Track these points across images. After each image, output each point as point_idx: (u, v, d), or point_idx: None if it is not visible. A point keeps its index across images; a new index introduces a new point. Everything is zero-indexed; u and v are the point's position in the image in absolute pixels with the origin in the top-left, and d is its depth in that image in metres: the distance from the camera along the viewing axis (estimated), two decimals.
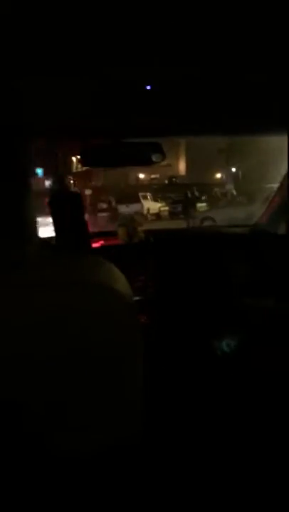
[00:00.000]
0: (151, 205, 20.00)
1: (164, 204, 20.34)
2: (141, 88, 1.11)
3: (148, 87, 1.11)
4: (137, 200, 19.26)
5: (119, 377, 0.52)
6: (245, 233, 2.01)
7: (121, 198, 19.87)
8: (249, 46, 0.85)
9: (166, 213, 19.24)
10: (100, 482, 0.52)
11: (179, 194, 19.87)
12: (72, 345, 0.49)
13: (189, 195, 15.35)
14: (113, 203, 19.49)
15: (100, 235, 1.95)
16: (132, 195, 19.88)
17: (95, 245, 1.94)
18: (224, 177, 28.77)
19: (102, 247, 1.93)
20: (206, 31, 0.79)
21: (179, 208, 18.29)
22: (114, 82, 1.08)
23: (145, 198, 20.04)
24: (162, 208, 19.94)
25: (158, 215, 19.21)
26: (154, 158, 1.58)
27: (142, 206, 19.18)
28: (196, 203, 15.49)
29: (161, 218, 18.66)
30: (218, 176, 30.44)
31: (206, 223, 8.52)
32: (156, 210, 19.70)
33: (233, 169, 27.25)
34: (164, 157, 1.58)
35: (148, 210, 19.19)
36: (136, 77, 1.05)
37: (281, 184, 1.80)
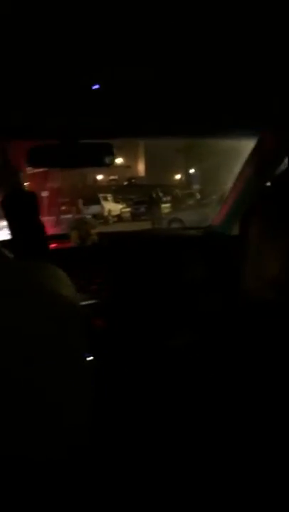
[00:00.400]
0: (112, 207, 19.78)
1: (124, 205, 20.14)
2: (88, 88, 1.08)
3: (95, 87, 1.09)
4: (97, 202, 19.03)
5: (65, 383, 0.50)
6: (198, 235, 2.02)
7: (80, 200, 19.56)
8: (210, 46, 0.84)
9: (127, 215, 19.03)
10: (46, 494, 0.50)
11: (139, 195, 19.85)
12: (16, 351, 0.46)
13: (154, 195, 15.06)
14: (80, 205, 19.25)
15: (52, 238, 1.90)
16: (91, 197, 19.58)
17: (50, 247, 1.88)
18: (183, 178, 29.20)
19: (55, 249, 1.88)
20: (159, 30, 0.77)
21: (142, 209, 18.11)
22: (62, 81, 1.05)
23: (105, 199, 19.81)
24: (123, 210, 19.71)
25: (119, 217, 19.01)
26: (105, 159, 1.55)
27: (103, 208, 18.94)
28: (160, 204, 15.33)
29: (123, 220, 18.48)
30: (178, 177, 30.88)
31: (174, 225, 8.52)
32: (117, 212, 19.52)
33: (192, 170, 27.68)
34: (113, 159, 1.55)
35: (109, 211, 19.01)
36: (83, 77, 1.02)
37: (234, 185, 1.82)
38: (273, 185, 0.70)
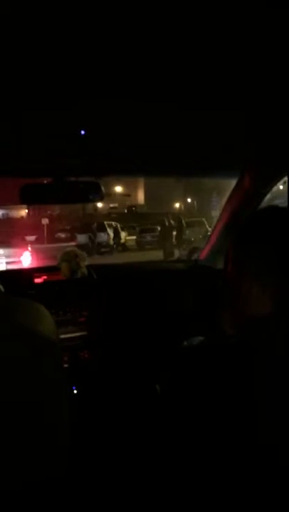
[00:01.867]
0: (118, 235, 18.62)
1: (126, 234, 19.33)
2: (76, 133, 1.15)
3: (82, 133, 1.16)
4: (102, 230, 17.97)
5: (42, 419, 0.52)
6: (185, 269, 2.06)
7: (82, 227, 18.69)
8: (191, 86, 0.89)
9: (131, 243, 18.14)
10: None
11: (142, 223, 19.26)
12: None
13: (167, 223, 13.98)
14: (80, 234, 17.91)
15: (42, 271, 1.94)
16: (94, 224, 18.69)
17: (37, 281, 1.92)
18: (182, 207, 29.43)
19: (44, 282, 1.92)
20: (145, 79, 0.83)
21: (148, 238, 17.42)
22: (50, 127, 1.12)
23: (111, 226, 18.64)
24: (127, 238, 18.91)
25: (124, 246, 18.14)
26: (93, 196, 1.62)
27: (108, 236, 17.91)
28: (172, 232, 13.88)
29: (128, 249, 17.63)
30: (177, 205, 31.22)
31: (196, 256, 8.14)
32: (123, 240, 18.56)
33: (189, 200, 27.84)
34: (102, 196, 1.62)
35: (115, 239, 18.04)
36: (71, 124, 1.09)
37: (218, 220, 1.88)
38: (248, 223, 0.70)
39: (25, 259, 10.97)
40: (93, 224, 18.72)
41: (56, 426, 0.54)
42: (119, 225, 18.74)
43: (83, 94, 0.89)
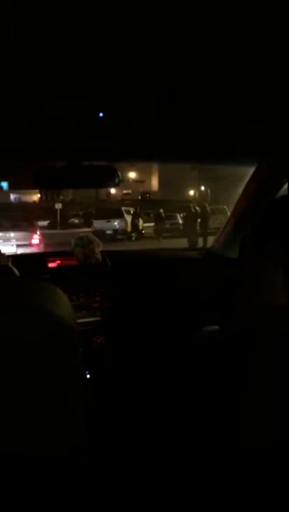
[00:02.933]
0: (136, 222, 17.64)
1: (143, 221, 18.15)
2: (95, 116, 1.14)
3: (101, 115, 1.15)
4: (118, 216, 17.09)
5: (60, 402, 0.53)
6: (199, 257, 2.05)
7: (99, 213, 17.93)
8: (211, 77, 0.88)
9: (149, 230, 17.17)
10: (44, 490, 0.54)
11: (155, 210, 18.92)
12: (13, 369, 0.50)
13: (193, 210, 13.35)
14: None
15: (56, 255, 1.95)
16: (111, 210, 17.95)
17: (51, 265, 1.93)
18: (196, 195, 29.18)
19: (58, 267, 1.92)
20: (162, 60, 0.82)
21: (168, 225, 16.69)
22: (69, 109, 1.11)
23: (128, 213, 17.69)
24: (144, 225, 17.93)
25: (141, 233, 17.22)
26: (108, 181, 1.60)
27: (126, 223, 17.07)
28: (197, 220, 13.11)
29: (144, 236, 16.79)
30: (191, 193, 30.94)
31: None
32: (139, 228, 17.51)
33: (202, 188, 27.51)
34: (118, 181, 1.61)
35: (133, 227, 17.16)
36: (90, 105, 1.08)
37: (234, 209, 1.85)
38: (267, 211, 0.69)
39: (35, 242, 11.07)
40: (110, 209, 18.11)
41: (75, 404, 0.56)
42: (136, 212, 17.99)
43: (101, 76, 0.87)
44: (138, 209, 18.35)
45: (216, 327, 1.55)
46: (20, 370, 0.51)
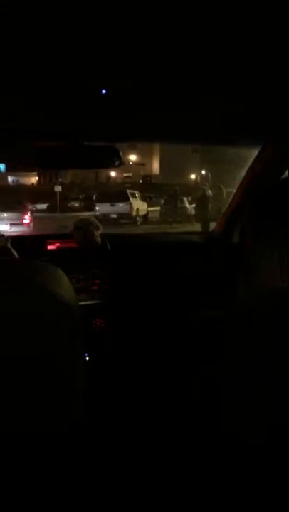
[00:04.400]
0: (140, 205, 16.98)
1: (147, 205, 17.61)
2: (97, 93, 1.11)
3: (103, 92, 1.12)
4: (123, 199, 16.18)
5: (60, 380, 0.54)
6: (200, 241, 2.04)
7: (102, 196, 16.88)
8: (216, 55, 0.86)
9: (155, 214, 16.59)
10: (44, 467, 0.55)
11: (157, 194, 18.24)
12: (14, 348, 0.51)
13: (207, 193, 12.88)
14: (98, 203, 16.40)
15: (56, 238, 1.93)
16: (115, 193, 17.01)
17: (50, 247, 1.92)
18: (198, 178, 28.97)
19: (57, 249, 1.91)
20: (165, 38, 0.80)
21: (174, 209, 15.69)
22: (69, 86, 1.08)
23: (133, 196, 16.77)
24: (149, 209, 17.28)
25: (146, 218, 16.57)
26: (110, 162, 1.58)
27: (131, 206, 16.18)
28: (209, 203, 12.63)
29: (150, 221, 16.04)
30: (193, 177, 30.72)
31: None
32: (144, 212, 16.93)
33: (203, 171, 27.28)
34: (121, 162, 1.58)
35: (137, 210, 16.41)
36: (92, 82, 1.05)
37: (235, 193, 1.83)
38: (270, 194, 0.70)
39: (26, 222, 12.73)
40: (114, 192, 17.33)
41: (74, 381, 0.56)
42: (139, 194, 17.35)
43: (104, 52, 0.85)
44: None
45: (216, 310, 1.55)
46: (20, 348, 0.51)
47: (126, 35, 0.78)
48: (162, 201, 17.31)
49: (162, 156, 32.01)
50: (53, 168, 1.64)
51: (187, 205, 16.51)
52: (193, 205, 15.43)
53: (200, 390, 0.64)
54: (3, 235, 1.72)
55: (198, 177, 29.26)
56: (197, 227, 11.66)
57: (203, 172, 27.28)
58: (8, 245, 1.67)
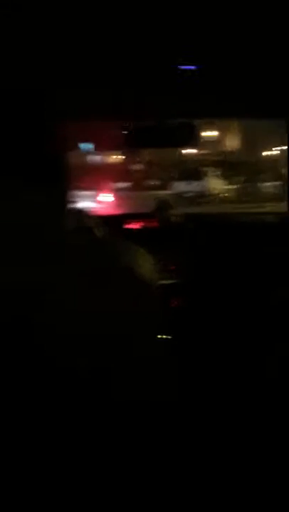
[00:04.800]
0: (216, 185, 16.69)
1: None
2: (175, 70, 1.10)
3: (184, 68, 1.11)
4: (198, 177, 16.09)
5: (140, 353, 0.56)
6: (278, 222, 1.97)
7: (181, 174, 16.72)
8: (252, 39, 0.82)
9: (231, 194, 15.93)
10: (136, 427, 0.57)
11: (238, 172, 17.08)
12: (98, 328, 0.53)
13: None
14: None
15: (136, 217, 1.97)
16: (191, 171, 16.74)
17: (132, 226, 1.97)
18: (283, 155, 27.18)
19: (138, 228, 1.96)
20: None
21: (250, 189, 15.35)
22: (148, 64, 1.09)
23: (211, 174, 16.61)
24: (228, 187, 16.58)
25: (223, 196, 15.92)
26: (189, 139, 1.57)
27: (207, 185, 16.05)
28: None
29: (228, 200, 15.35)
30: (275, 153, 28.92)
31: None
32: (222, 190, 16.39)
33: (284, 148, 25.54)
34: (198, 140, 1.57)
35: (214, 189, 16.16)
36: (170, 59, 1.05)
37: None
38: None
39: (109, 200, 13.46)
40: (192, 170, 17.02)
41: (155, 364, 0.57)
42: (215, 172, 16.90)
43: (202, 27, 0.84)
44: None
45: None
46: (103, 328, 0.53)
47: (212, 11, 0.76)
48: (242, 179, 16.79)
49: (242, 133, 30.62)
50: (143, 147, 1.68)
51: (269, 183, 15.61)
52: (277, 183, 14.10)
53: (276, 368, 0.63)
54: (88, 214, 1.80)
55: (283, 154, 27.55)
56: (279, 207, 11.07)
57: (286, 148, 25.63)
58: (94, 224, 1.74)
